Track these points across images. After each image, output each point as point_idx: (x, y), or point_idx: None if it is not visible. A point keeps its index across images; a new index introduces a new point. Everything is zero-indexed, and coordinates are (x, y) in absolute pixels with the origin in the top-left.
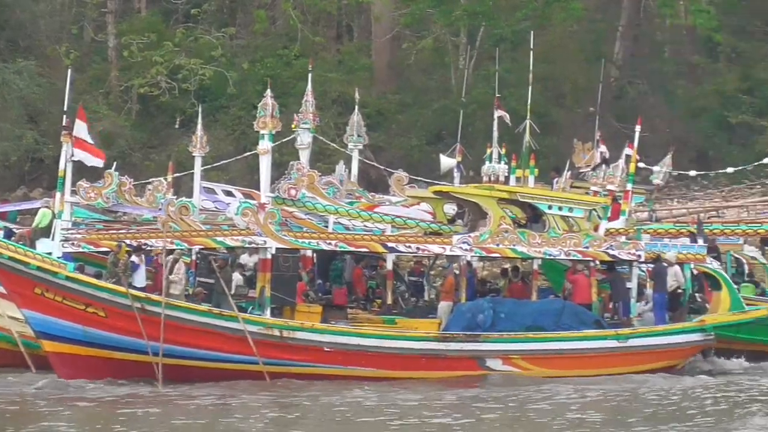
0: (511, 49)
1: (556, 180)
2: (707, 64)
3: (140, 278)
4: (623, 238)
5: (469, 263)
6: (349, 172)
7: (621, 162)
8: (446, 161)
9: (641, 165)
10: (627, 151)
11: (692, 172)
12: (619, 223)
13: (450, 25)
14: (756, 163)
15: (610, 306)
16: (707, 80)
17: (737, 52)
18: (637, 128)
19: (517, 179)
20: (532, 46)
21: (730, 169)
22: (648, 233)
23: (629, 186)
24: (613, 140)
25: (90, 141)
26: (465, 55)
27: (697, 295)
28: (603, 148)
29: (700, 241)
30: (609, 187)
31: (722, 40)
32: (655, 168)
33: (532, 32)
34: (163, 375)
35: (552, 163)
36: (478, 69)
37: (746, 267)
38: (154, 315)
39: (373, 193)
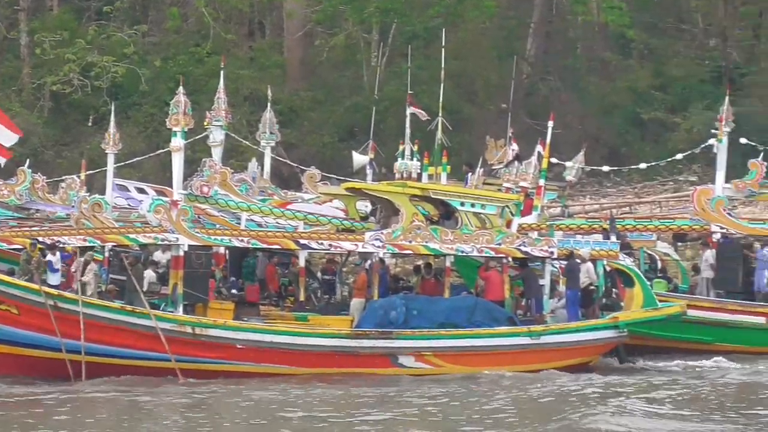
0: (423, 46)
1: (469, 174)
2: (619, 61)
3: (55, 276)
4: (535, 234)
5: (381, 260)
6: (262, 169)
7: (534, 158)
8: (359, 158)
9: (554, 161)
10: (539, 147)
11: (605, 168)
12: (531, 219)
13: (362, 22)
14: (668, 159)
15: (523, 303)
16: (620, 77)
17: (649, 48)
18: (550, 124)
19: (430, 176)
20: (444, 43)
21: (642, 165)
22: (560, 229)
23: (542, 182)
24: (525, 137)
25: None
26: (377, 52)
27: (613, 290)
28: (515, 146)
29: (613, 238)
30: (522, 183)
31: (634, 37)
32: (568, 164)
33: (444, 29)
34: (79, 372)
35: (464, 160)
36: (391, 66)
37: (659, 263)
38: (67, 312)
39: (285, 191)
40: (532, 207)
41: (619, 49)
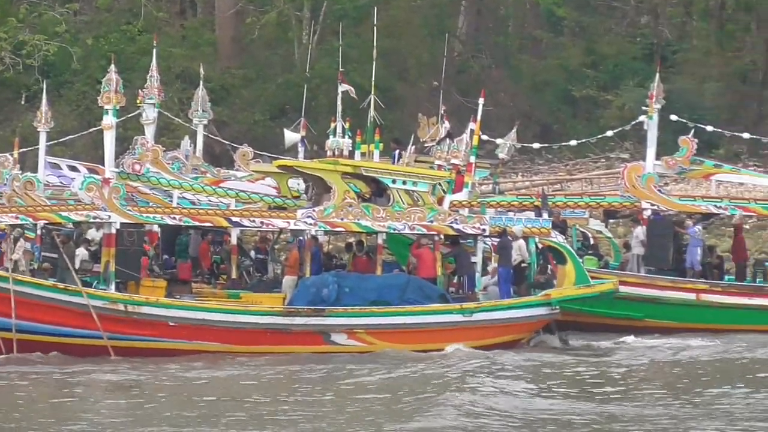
0: (354, 24)
1: (397, 151)
2: (551, 39)
3: None
4: (466, 211)
5: (315, 238)
6: (195, 147)
7: (465, 136)
8: (290, 136)
9: (484, 138)
10: (471, 125)
11: (535, 145)
12: (462, 196)
13: (293, 0)
14: (599, 137)
15: (455, 281)
16: (551, 54)
17: (581, 26)
18: (480, 101)
19: (363, 154)
20: (375, 21)
21: (573, 142)
22: (492, 206)
23: (472, 159)
24: (457, 114)
25: None
26: (308, 29)
27: (548, 267)
28: (447, 123)
29: (545, 215)
30: (453, 161)
31: (566, 15)
32: (499, 141)
33: (375, 7)
34: (10, 349)
35: (397, 138)
36: (322, 44)
37: (591, 241)
38: None
39: (218, 168)
40: (463, 184)
41: (550, 27)
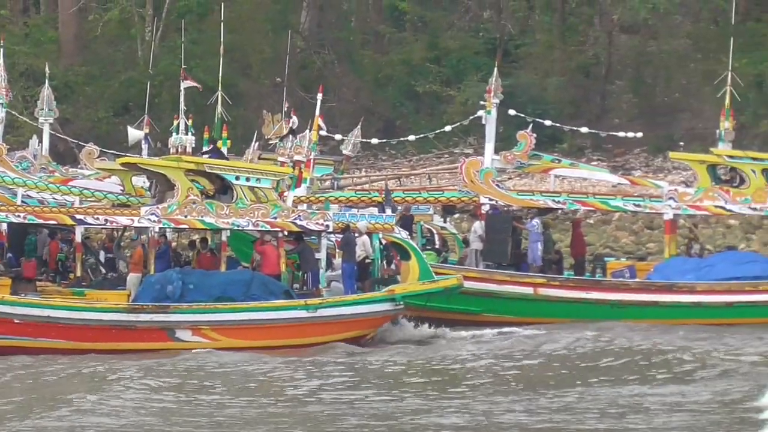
0: (197, 20)
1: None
2: (394, 34)
3: None
4: (305, 206)
5: (164, 235)
6: (42, 145)
7: (308, 132)
8: (134, 133)
9: (323, 134)
10: (319, 121)
11: (374, 140)
12: (300, 191)
13: None
14: (437, 131)
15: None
16: (394, 49)
17: (423, 21)
18: (319, 97)
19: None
20: (222, 18)
21: (411, 137)
22: (336, 202)
23: (313, 154)
24: (300, 110)
25: None
26: (151, 26)
27: (392, 263)
28: (295, 119)
29: (389, 211)
30: (296, 157)
31: (408, 9)
32: (338, 137)
33: (222, 3)
34: None
35: (241, 135)
36: (165, 41)
37: (437, 236)
38: None
39: (67, 167)
40: (301, 179)
41: (393, 22)
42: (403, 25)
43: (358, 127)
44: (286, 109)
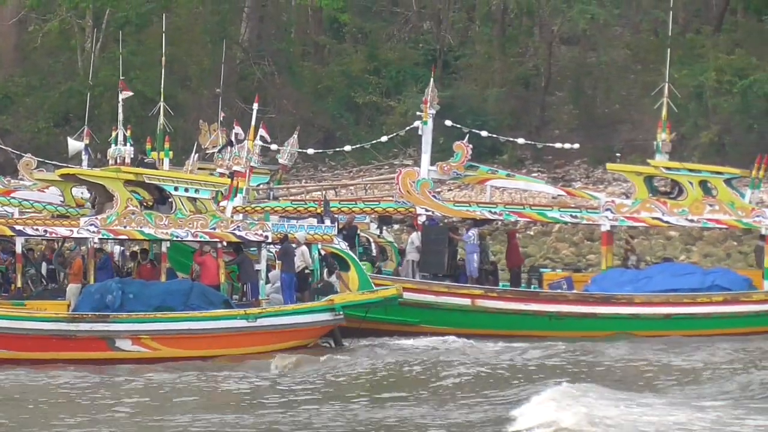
0: (136, 31)
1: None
2: (333, 45)
3: None
4: (241, 216)
5: (101, 249)
6: None
7: (246, 142)
8: (74, 144)
9: (258, 143)
10: (261, 132)
11: (310, 150)
12: (237, 202)
13: (76, 7)
14: (373, 141)
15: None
16: (334, 61)
17: (363, 32)
18: (255, 107)
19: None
20: (163, 29)
21: (348, 148)
22: (275, 213)
23: (249, 164)
24: (240, 121)
25: None
26: (91, 37)
27: (332, 273)
28: (238, 129)
29: (327, 221)
30: (235, 167)
31: (348, 21)
32: (274, 147)
33: (163, 14)
34: None
35: (182, 146)
36: (105, 52)
37: (374, 247)
38: None
39: (8, 178)
40: (236, 190)
41: (333, 33)
42: (342, 37)
43: (294, 136)
44: (221, 119)
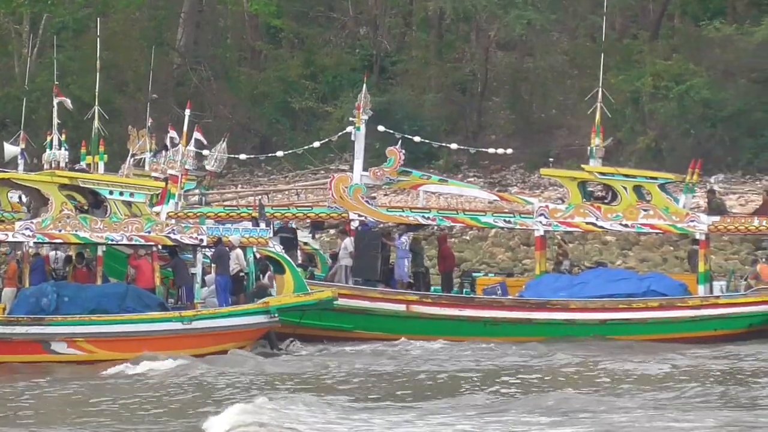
0: (73, 36)
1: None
2: (270, 50)
3: None
4: (173, 221)
5: (37, 253)
6: None
7: (180, 147)
8: (10, 149)
9: (191, 149)
10: (197, 134)
11: (242, 156)
12: (170, 207)
13: (12, 13)
14: (306, 147)
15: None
16: (270, 66)
17: (300, 38)
18: (187, 112)
19: (88, 165)
20: (98, 34)
21: (280, 153)
22: (209, 217)
23: (183, 170)
24: (176, 126)
25: None
26: (28, 42)
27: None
28: (173, 133)
29: (263, 225)
30: (170, 171)
31: (284, 26)
32: (205, 152)
33: (98, 19)
34: None
35: (118, 151)
36: (42, 57)
37: (300, 252)
38: None
39: None
40: (167, 195)
41: (269, 39)
42: (279, 42)
43: (222, 142)
44: (149, 125)
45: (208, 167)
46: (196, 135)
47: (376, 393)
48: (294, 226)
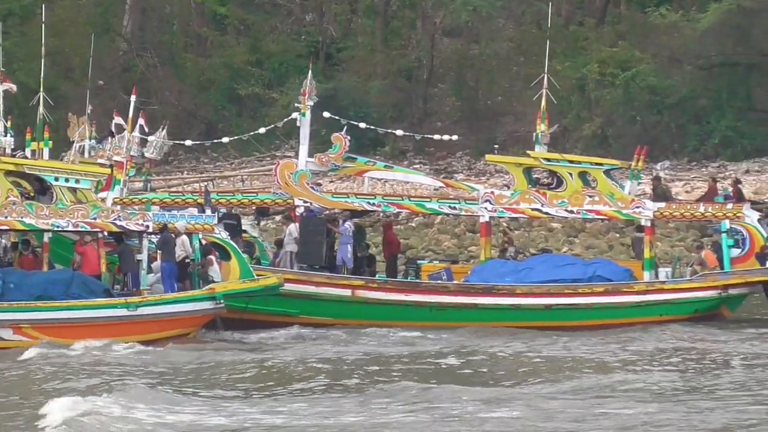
0: (20, 23)
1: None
2: (216, 37)
3: None
4: (118, 207)
5: None
6: None
7: (126, 133)
8: None
9: (136, 135)
10: (141, 121)
11: (188, 142)
12: (116, 193)
13: None
14: (251, 133)
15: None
16: (216, 53)
17: (246, 24)
18: (133, 98)
19: (33, 152)
20: (44, 20)
21: (225, 139)
22: (154, 203)
23: (128, 156)
24: (122, 113)
25: None
26: None
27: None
28: (119, 119)
29: (208, 211)
30: (116, 158)
31: (229, 13)
32: (151, 138)
33: (44, 6)
34: None
35: (63, 137)
36: None
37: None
38: None
39: None
40: (112, 181)
41: (215, 25)
42: (225, 29)
43: (162, 129)
44: (89, 111)
45: (147, 154)
46: (140, 121)
47: (241, 384)
48: (237, 212)
